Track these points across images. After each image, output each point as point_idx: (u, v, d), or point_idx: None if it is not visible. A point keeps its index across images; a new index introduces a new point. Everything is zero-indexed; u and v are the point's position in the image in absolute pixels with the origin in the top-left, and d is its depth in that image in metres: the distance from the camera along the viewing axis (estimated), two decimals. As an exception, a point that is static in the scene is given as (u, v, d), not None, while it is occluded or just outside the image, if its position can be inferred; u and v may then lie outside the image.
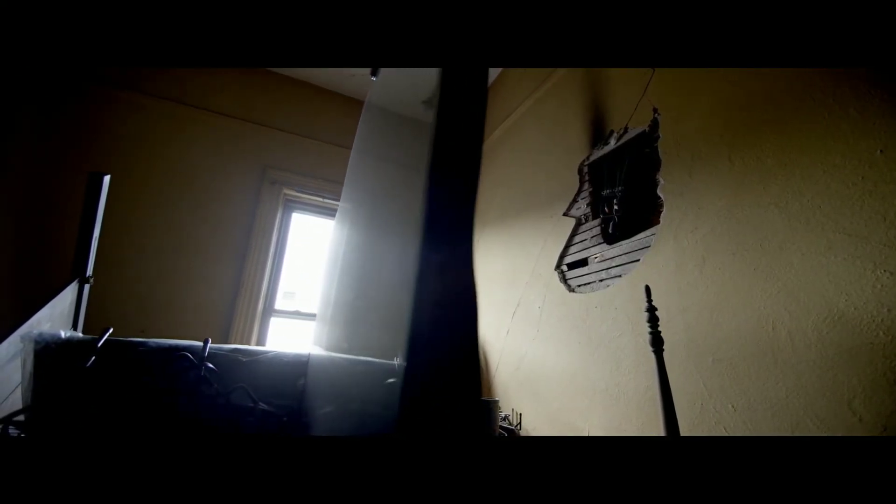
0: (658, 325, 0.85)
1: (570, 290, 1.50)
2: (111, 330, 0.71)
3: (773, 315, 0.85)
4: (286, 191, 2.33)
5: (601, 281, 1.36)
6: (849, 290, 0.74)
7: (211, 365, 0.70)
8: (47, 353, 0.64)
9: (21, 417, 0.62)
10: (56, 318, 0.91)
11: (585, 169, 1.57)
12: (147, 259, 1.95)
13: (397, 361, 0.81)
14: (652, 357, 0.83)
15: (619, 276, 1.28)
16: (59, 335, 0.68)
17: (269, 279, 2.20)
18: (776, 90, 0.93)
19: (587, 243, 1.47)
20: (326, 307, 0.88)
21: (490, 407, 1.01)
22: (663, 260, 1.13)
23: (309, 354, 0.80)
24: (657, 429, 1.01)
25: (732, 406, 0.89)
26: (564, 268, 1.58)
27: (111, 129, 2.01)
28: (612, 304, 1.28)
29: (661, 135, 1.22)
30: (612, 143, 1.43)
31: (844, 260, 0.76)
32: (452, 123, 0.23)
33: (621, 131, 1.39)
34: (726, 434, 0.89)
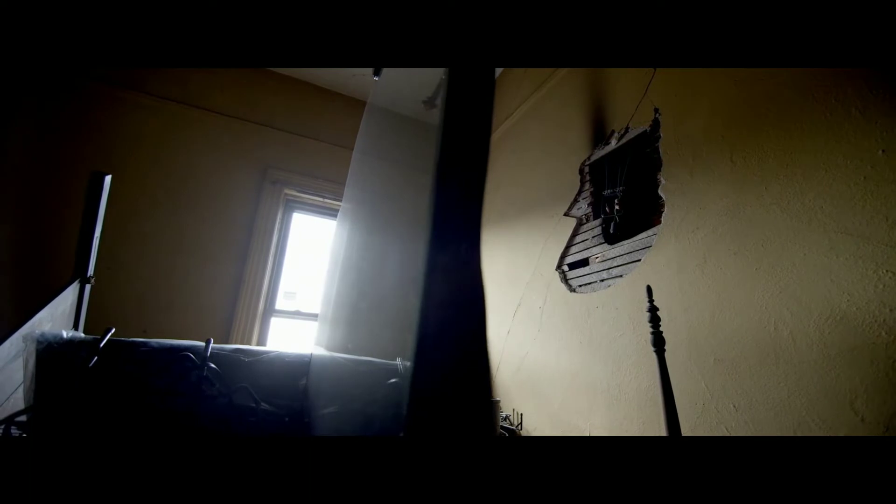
0: (660, 325, 0.85)
1: (572, 290, 1.50)
2: (113, 330, 0.71)
3: (774, 315, 0.85)
4: (287, 191, 2.33)
5: (602, 281, 1.36)
6: (851, 290, 0.74)
7: (213, 365, 0.69)
8: (49, 353, 0.64)
9: (23, 418, 0.62)
10: (57, 318, 0.91)
11: (586, 169, 1.57)
12: (147, 259, 1.95)
13: (399, 362, 0.81)
14: (653, 357, 0.83)
15: (621, 276, 1.28)
16: (62, 335, 0.68)
17: (270, 279, 2.20)
18: (778, 90, 0.93)
19: (588, 243, 1.47)
20: (329, 307, 0.88)
21: (491, 407, 1.01)
22: (665, 260, 1.13)
23: (311, 355, 0.80)
24: (658, 429, 1.01)
25: (734, 406, 0.89)
26: (565, 268, 1.58)
27: (112, 129, 2.01)
28: (614, 305, 1.28)
29: (662, 135, 1.22)
30: (613, 143, 1.43)
31: (846, 260, 0.75)
32: (459, 123, 0.23)
33: (622, 131, 1.39)
34: (728, 434, 0.89)
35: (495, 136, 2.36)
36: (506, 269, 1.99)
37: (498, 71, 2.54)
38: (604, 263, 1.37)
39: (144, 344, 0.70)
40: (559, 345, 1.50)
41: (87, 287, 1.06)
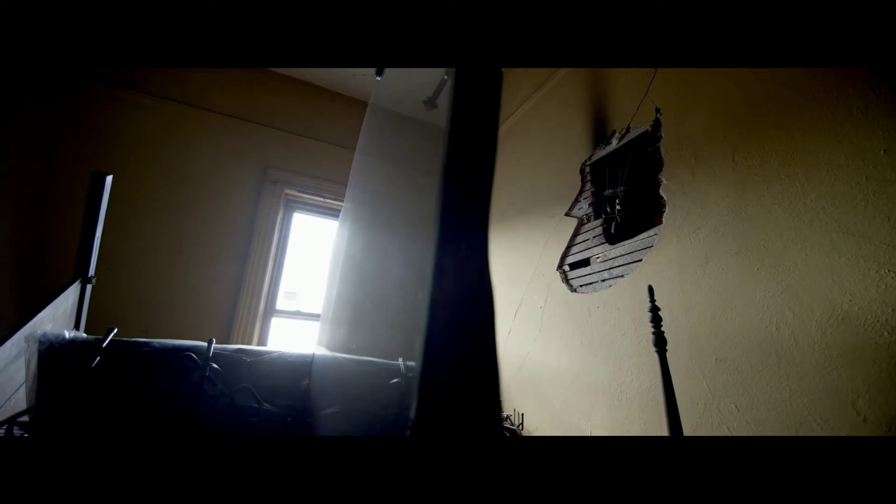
0: (661, 325, 0.85)
1: (573, 290, 1.50)
2: (115, 330, 0.71)
3: (776, 315, 0.85)
4: (287, 191, 2.33)
5: (603, 281, 1.36)
6: (853, 289, 0.74)
7: (215, 365, 0.69)
8: (51, 353, 0.64)
9: (25, 418, 0.62)
10: (58, 318, 0.91)
11: (587, 169, 1.57)
12: (148, 259, 1.95)
13: (401, 362, 0.81)
14: (654, 357, 0.83)
15: (622, 276, 1.28)
16: (64, 335, 0.68)
17: (271, 279, 2.20)
18: (779, 90, 0.93)
19: (589, 243, 1.47)
20: (332, 308, 0.88)
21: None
22: (666, 260, 1.13)
23: (313, 355, 0.80)
24: (660, 429, 1.01)
25: (736, 406, 0.89)
26: (566, 268, 1.58)
27: (112, 129, 2.01)
28: (615, 304, 1.28)
29: (663, 135, 1.22)
30: (615, 143, 1.43)
31: (848, 260, 0.76)
32: (467, 123, 0.23)
33: (623, 131, 1.39)
34: (730, 434, 0.89)
35: (496, 136, 2.36)
36: (506, 269, 1.99)
37: (498, 71, 2.54)
38: (605, 263, 1.37)
39: (147, 344, 0.70)
40: (560, 345, 1.50)
41: (89, 287, 1.06)
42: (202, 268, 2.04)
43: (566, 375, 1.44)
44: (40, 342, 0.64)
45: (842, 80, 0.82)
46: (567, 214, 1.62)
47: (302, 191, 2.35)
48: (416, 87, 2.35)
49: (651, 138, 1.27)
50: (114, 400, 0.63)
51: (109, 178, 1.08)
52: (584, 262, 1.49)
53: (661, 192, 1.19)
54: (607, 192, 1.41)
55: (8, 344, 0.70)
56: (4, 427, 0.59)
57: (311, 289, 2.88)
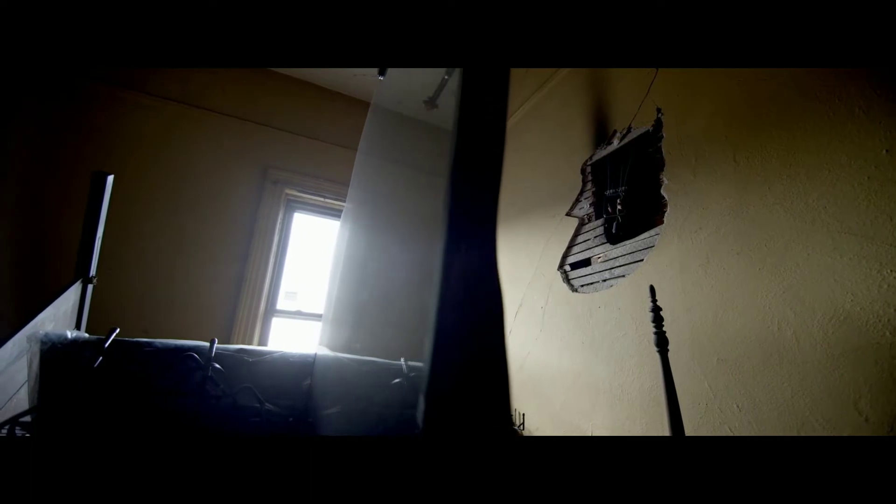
0: (663, 325, 0.85)
1: (574, 290, 1.50)
2: (118, 330, 0.71)
3: (778, 315, 0.85)
4: (288, 191, 2.32)
5: (604, 281, 1.36)
6: (855, 289, 0.74)
7: (217, 365, 0.69)
8: (54, 353, 0.64)
9: (27, 418, 0.62)
10: (59, 318, 0.91)
11: (588, 169, 1.57)
12: (148, 259, 1.95)
13: (403, 362, 0.81)
14: (655, 357, 0.83)
15: (623, 276, 1.28)
16: (66, 335, 0.68)
17: (271, 279, 2.20)
18: (780, 90, 0.93)
19: (590, 243, 1.47)
20: (336, 308, 0.88)
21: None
22: (667, 260, 1.13)
23: (315, 355, 0.80)
24: (661, 429, 1.01)
25: (738, 406, 0.89)
26: (567, 268, 1.58)
27: (112, 129, 2.01)
28: (616, 304, 1.28)
29: (664, 135, 1.22)
30: (616, 143, 1.43)
31: (850, 260, 0.76)
32: (474, 123, 0.23)
33: (624, 131, 1.39)
34: (732, 434, 0.89)
35: (496, 136, 2.36)
36: (507, 269, 1.99)
37: (499, 71, 2.54)
38: (606, 263, 1.37)
39: (149, 344, 0.70)
40: (561, 345, 1.50)
41: (90, 287, 1.06)
42: (202, 268, 2.04)
43: (567, 375, 1.44)
44: (42, 342, 0.64)
45: (843, 80, 0.82)
46: (568, 214, 1.62)
47: (302, 191, 2.35)
48: (417, 87, 2.35)
49: (652, 138, 1.27)
50: (116, 400, 0.63)
51: (110, 178, 1.07)
52: (585, 262, 1.49)
53: (662, 191, 1.19)
54: (608, 192, 1.41)
55: (9, 344, 0.70)
56: (6, 427, 0.59)
57: (312, 289, 2.88)
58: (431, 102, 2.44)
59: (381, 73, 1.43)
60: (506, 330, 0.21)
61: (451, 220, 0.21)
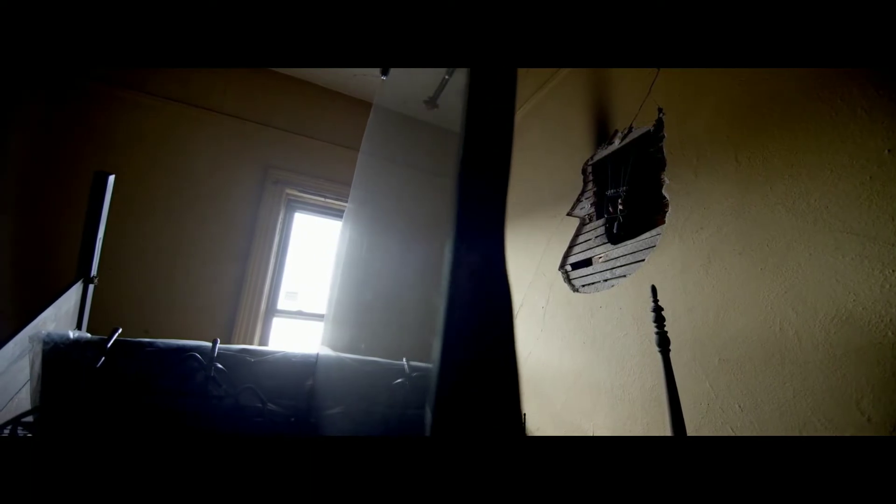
0: (664, 325, 0.85)
1: (575, 290, 1.50)
2: (120, 330, 0.71)
3: (780, 315, 0.85)
4: (289, 191, 2.32)
5: (606, 281, 1.36)
6: (857, 289, 0.74)
7: (220, 365, 0.69)
8: (56, 353, 0.64)
9: (30, 418, 0.62)
10: (61, 318, 0.91)
11: (589, 169, 1.57)
12: (148, 259, 1.95)
13: (405, 362, 0.81)
14: (657, 357, 0.83)
15: (624, 276, 1.28)
16: (68, 335, 0.68)
17: (272, 279, 2.20)
18: (782, 90, 0.93)
19: (591, 243, 1.47)
20: (339, 308, 0.88)
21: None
22: (669, 260, 1.13)
23: (317, 355, 0.80)
24: (662, 429, 1.01)
25: (739, 406, 0.89)
26: (568, 268, 1.58)
27: (112, 129, 2.01)
28: (617, 304, 1.28)
29: (665, 134, 1.22)
30: (617, 143, 1.43)
31: (852, 260, 0.76)
32: (482, 124, 0.23)
33: (626, 131, 1.39)
34: (733, 434, 0.89)
35: (497, 136, 2.36)
36: (509, 268, 1.99)
37: (499, 71, 2.54)
38: (607, 263, 1.37)
39: (151, 344, 0.70)
40: (562, 345, 1.50)
41: (91, 287, 1.05)
42: (203, 268, 2.03)
43: (568, 375, 1.44)
44: (45, 342, 0.64)
45: (845, 80, 0.82)
46: (569, 214, 1.62)
47: (303, 191, 2.35)
48: (420, 87, 2.35)
49: (653, 138, 1.27)
50: (118, 400, 0.63)
51: (112, 178, 1.07)
52: (587, 262, 1.49)
53: (663, 191, 1.19)
54: (609, 192, 1.41)
55: (11, 344, 0.69)
56: (9, 427, 0.59)
57: (313, 289, 2.88)
58: (432, 102, 2.44)
59: (384, 72, 1.42)
60: (515, 330, 0.21)
61: (460, 220, 0.21)
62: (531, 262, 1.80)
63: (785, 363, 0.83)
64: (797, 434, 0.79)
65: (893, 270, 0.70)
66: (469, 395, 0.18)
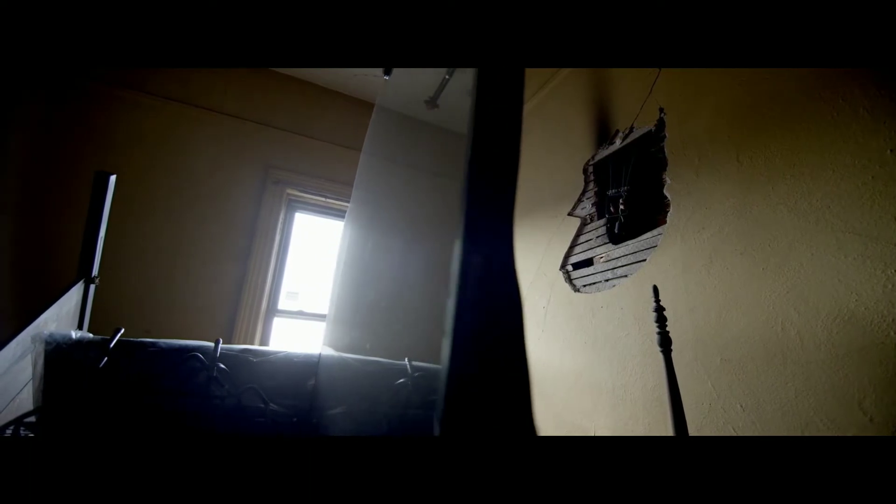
0: (666, 325, 0.85)
1: (576, 289, 1.50)
2: (122, 330, 0.71)
3: (782, 315, 0.85)
4: (289, 191, 2.32)
5: (607, 281, 1.36)
6: (859, 289, 0.74)
7: (222, 365, 0.69)
8: (58, 353, 0.64)
9: (32, 418, 0.62)
10: (62, 318, 0.91)
11: (590, 169, 1.57)
12: (149, 259, 1.94)
13: (407, 362, 0.81)
14: (658, 357, 0.83)
15: (625, 276, 1.28)
16: (70, 336, 0.68)
17: (273, 279, 2.20)
18: (784, 90, 0.93)
19: (592, 243, 1.47)
20: (342, 308, 0.88)
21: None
22: (670, 260, 1.13)
23: (319, 355, 0.80)
24: (664, 429, 1.01)
25: (741, 406, 0.89)
26: (569, 268, 1.58)
27: (112, 128, 2.00)
28: (618, 304, 1.28)
29: (667, 134, 1.22)
30: (618, 143, 1.43)
31: (854, 260, 0.76)
32: (490, 125, 0.23)
33: (627, 131, 1.39)
34: (735, 434, 0.89)
35: (497, 136, 2.36)
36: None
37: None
38: (608, 263, 1.37)
39: (153, 344, 0.70)
40: (563, 345, 1.50)
41: (92, 287, 1.05)
42: (203, 268, 2.03)
43: (569, 375, 1.44)
44: (47, 342, 0.64)
45: (847, 80, 0.82)
46: (570, 214, 1.62)
47: (304, 191, 2.34)
48: (422, 87, 2.34)
49: (655, 138, 1.27)
50: (121, 400, 0.63)
51: (113, 178, 1.07)
52: (588, 262, 1.49)
53: (665, 191, 1.19)
54: (611, 192, 1.41)
55: (12, 344, 0.69)
56: (11, 427, 0.59)
57: (314, 289, 2.88)
58: (432, 102, 2.44)
59: (387, 72, 1.42)
60: (525, 332, 0.20)
61: (468, 221, 0.21)
62: (532, 262, 1.80)
63: (787, 363, 0.83)
64: (799, 434, 0.79)
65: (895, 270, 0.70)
66: (480, 396, 0.18)
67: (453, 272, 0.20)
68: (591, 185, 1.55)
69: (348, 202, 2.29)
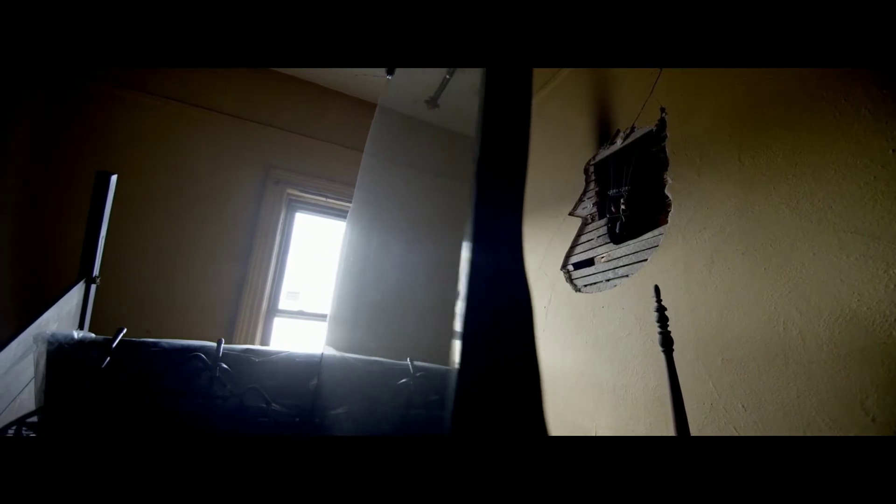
0: (668, 325, 0.85)
1: (577, 289, 1.50)
2: (125, 330, 0.71)
3: (783, 315, 0.85)
4: (290, 190, 2.32)
5: (608, 281, 1.36)
6: (861, 289, 0.74)
7: (225, 365, 0.69)
8: (60, 353, 0.63)
9: (34, 418, 0.62)
10: (63, 318, 0.90)
11: (591, 168, 1.57)
12: (149, 259, 1.94)
13: (409, 362, 0.81)
14: (659, 357, 0.83)
15: (627, 275, 1.28)
16: (72, 335, 0.68)
17: (273, 279, 2.20)
18: (785, 90, 0.93)
19: (593, 243, 1.47)
20: (344, 308, 0.88)
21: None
22: (671, 260, 1.13)
23: (321, 355, 0.80)
24: (665, 429, 1.01)
25: (743, 406, 0.89)
26: (570, 267, 1.58)
27: (112, 128, 2.00)
28: (620, 304, 1.28)
29: (668, 134, 1.22)
30: (619, 143, 1.43)
31: (856, 259, 0.76)
32: (498, 125, 0.23)
33: (628, 131, 1.39)
34: (737, 434, 0.89)
35: (498, 136, 2.36)
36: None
37: (500, 70, 2.53)
38: (609, 263, 1.37)
39: (155, 344, 0.69)
40: (564, 344, 1.50)
41: (93, 287, 1.05)
42: (204, 268, 2.03)
43: (570, 375, 1.44)
44: (49, 342, 0.64)
45: (849, 80, 0.82)
46: (571, 214, 1.62)
47: (304, 191, 2.34)
48: (424, 87, 2.34)
49: (656, 138, 1.27)
50: (123, 400, 0.63)
51: (114, 178, 1.07)
52: (589, 262, 1.49)
53: (666, 191, 1.19)
54: (612, 192, 1.41)
55: (14, 344, 0.69)
56: (13, 427, 0.59)
57: (314, 289, 2.87)
58: (433, 102, 2.44)
59: (390, 72, 1.42)
60: (536, 333, 0.20)
61: (477, 223, 0.21)
62: (533, 262, 1.80)
63: (789, 363, 0.83)
64: (801, 434, 0.79)
65: (898, 270, 0.70)
66: (491, 396, 0.18)
67: (463, 272, 0.20)
68: (592, 185, 1.55)
69: (349, 202, 2.28)
